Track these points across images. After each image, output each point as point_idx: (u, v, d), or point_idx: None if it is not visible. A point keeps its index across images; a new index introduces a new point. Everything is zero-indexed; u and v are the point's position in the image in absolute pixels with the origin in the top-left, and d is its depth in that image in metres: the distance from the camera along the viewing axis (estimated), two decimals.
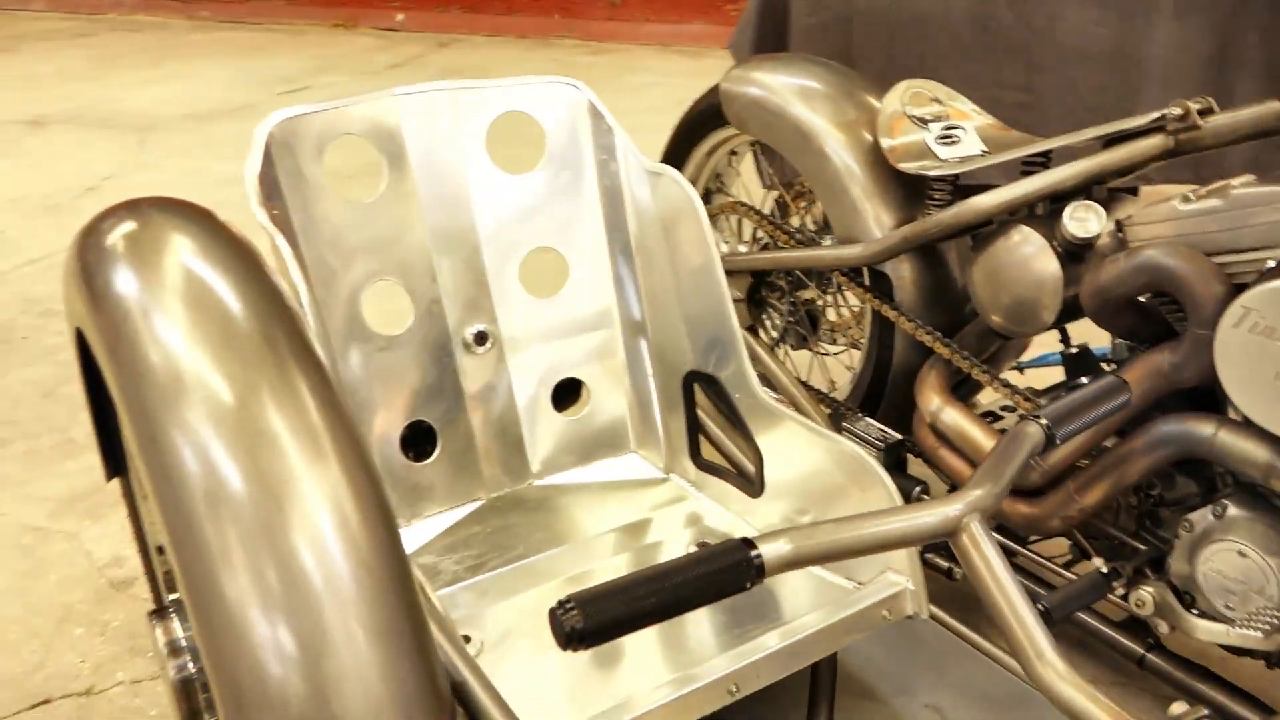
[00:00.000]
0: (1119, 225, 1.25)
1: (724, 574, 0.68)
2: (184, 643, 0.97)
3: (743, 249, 1.95)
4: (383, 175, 1.38)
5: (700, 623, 1.21)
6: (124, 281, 0.83)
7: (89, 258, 0.88)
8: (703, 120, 1.89)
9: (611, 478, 1.51)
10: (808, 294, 1.85)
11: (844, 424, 1.61)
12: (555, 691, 1.11)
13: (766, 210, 1.89)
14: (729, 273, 1.82)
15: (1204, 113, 1.23)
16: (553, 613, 0.67)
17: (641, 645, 1.18)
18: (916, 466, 1.58)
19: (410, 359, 1.39)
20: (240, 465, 0.73)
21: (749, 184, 2.00)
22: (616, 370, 1.52)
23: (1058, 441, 0.84)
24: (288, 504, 0.73)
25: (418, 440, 1.42)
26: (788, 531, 0.73)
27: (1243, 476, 1.13)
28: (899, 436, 1.53)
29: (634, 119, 1.93)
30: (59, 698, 1.45)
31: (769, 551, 0.70)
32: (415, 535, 1.38)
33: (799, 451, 1.33)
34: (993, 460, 0.80)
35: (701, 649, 1.16)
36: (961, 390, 1.55)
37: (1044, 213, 1.37)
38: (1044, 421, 0.84)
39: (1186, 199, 1.17)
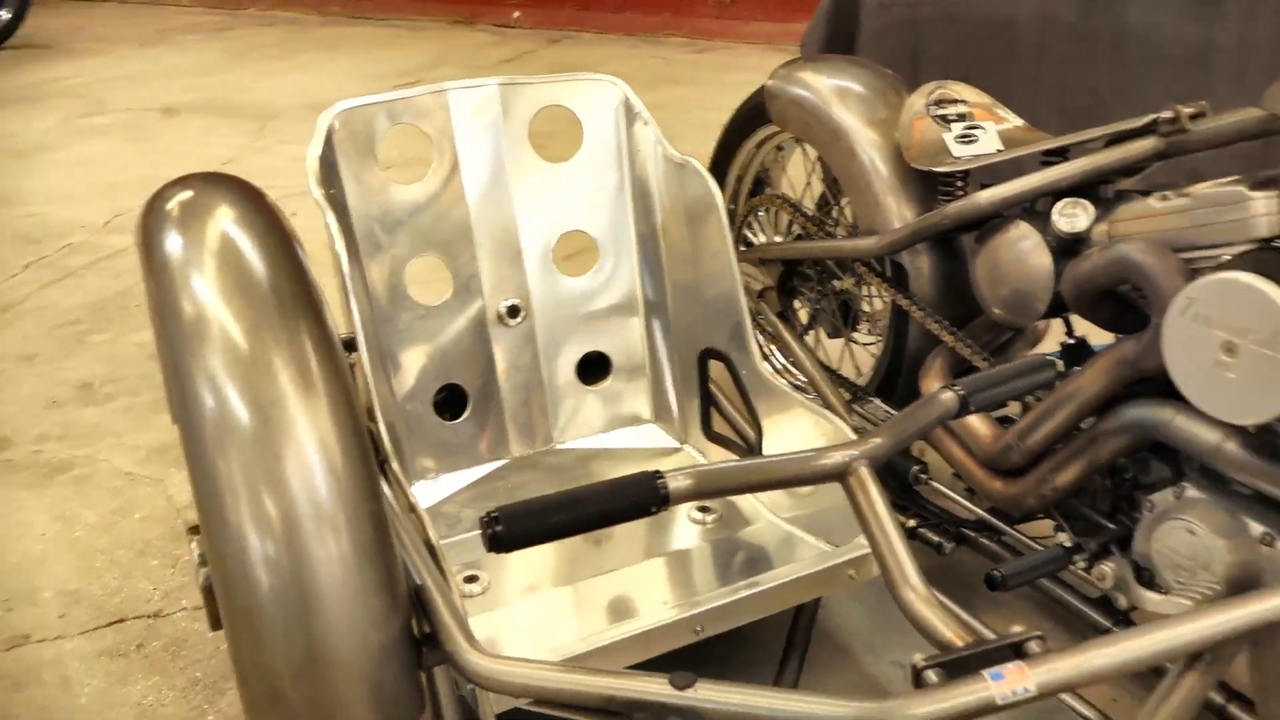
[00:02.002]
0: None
1: (633, 499, 0.80)
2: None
3: (779, 239, 2.04)
4: (433, 161, 1.53)
5: (679, 571, 1.32)
6: (171, 243, 0.99)
7: (149, 222, 1.04)
8: (751, 116, 1.99)
9: (629, 445, 1.63)
10: (842, 284, 1.93)
11: (854, 406, 1.69)
12: (538, 624, 1.24)
13: (813, 203, 1.98)
14: (763, 261, 1.94)
15: (1195, 117, 1.28)
16: (481, 520, 0.79)
17: (624, 588, 1.30)
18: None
19: (447, 327, 1.54)
20: (244, 402, 0.88)
21: (795, 178, 2.09)
22: (637, 346, 1.64)
23: (970, 409, 0.93)
24: (279, 436, 0.86)
25: (452, 402, 1.57)
26: (697, 469, 0.84)
27: (1197, 459, 1.18)
28: None
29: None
30: (131, 618, 1.65)
31: (674, 482, 0.82)
32: (443, 486, 1.53)
33: (796, 425, 1.43)
34: (900, 418, 0.89)
35: (675, 594, 1.28)
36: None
37: (1044, 209, 1.42)
38: (960, 390, 0.93)
39: (1164, 198, 1.23)
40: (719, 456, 1.57)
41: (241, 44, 6.78)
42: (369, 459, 0.90)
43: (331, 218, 1.35)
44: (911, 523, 1.57)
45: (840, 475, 0.84)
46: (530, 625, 1.24)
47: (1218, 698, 1.24)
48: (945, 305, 1.63)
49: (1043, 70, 2.37)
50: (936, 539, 1.50)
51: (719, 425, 1.61)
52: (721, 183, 2.10)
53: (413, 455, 1.51)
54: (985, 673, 0.70)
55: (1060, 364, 1.38)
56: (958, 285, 1.63)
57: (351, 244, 1.45)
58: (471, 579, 1.34)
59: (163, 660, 1.55)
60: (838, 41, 2.58)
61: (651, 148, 1.59)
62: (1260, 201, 1.12)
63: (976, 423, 1.47)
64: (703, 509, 1.49)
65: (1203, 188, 1.18)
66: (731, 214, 2.10)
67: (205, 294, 0.94)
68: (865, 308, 1.94)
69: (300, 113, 4.80)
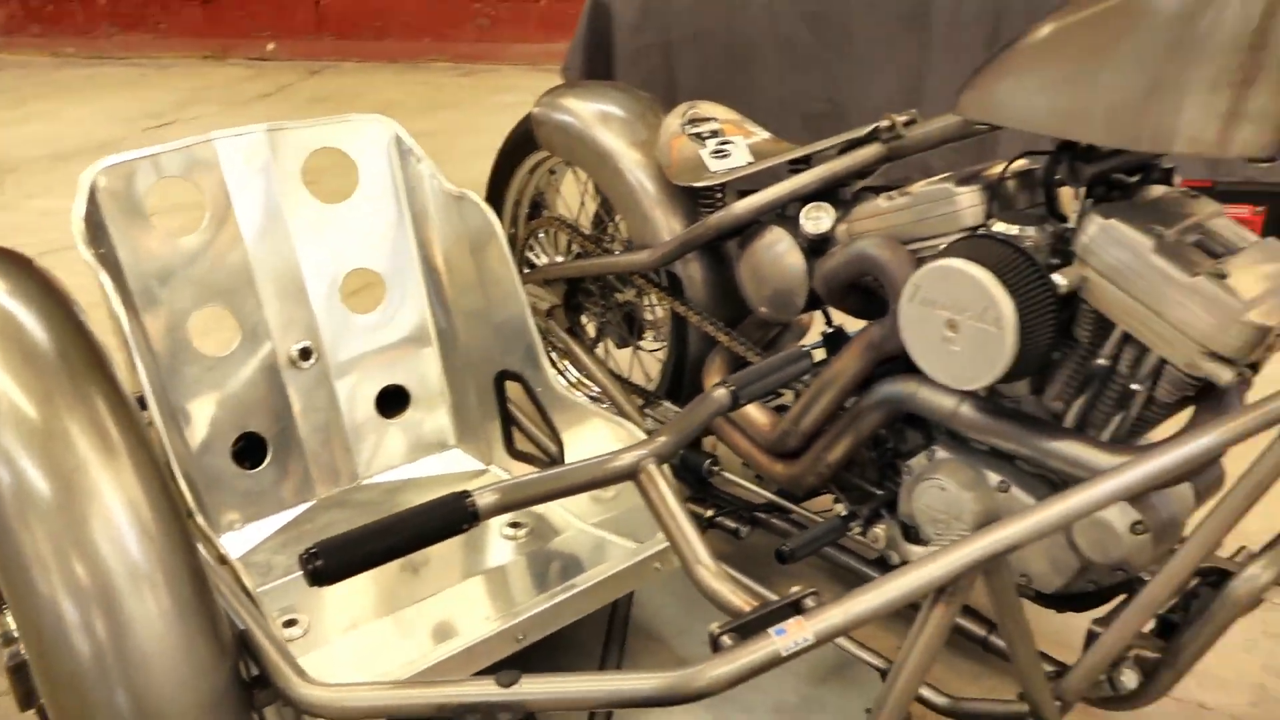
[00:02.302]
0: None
1: (445, 519, 0.86)
2: (16, 634, 1.10)
3: (560, 259, 2.13)
4: (205, 212, 1.52)
5: (498, 586, 1.38)
6: None
7: None
8: (521, 143, 2.07)
9: (435, 472, 1.68)
10: (624, 297, 2.03)
11: (647, 411, 1.80)
12: (362, 657, 1.27)
13: (589, 222, 2.07)
14: (547, 281, 2.02)
15: (908, 124, 1.45)
16: (300, 558, 0.83)
17: (445, 610, 1.34)
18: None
19: (238, 376, 1.53)
20: (43, 472, 0.87)
21: (570, 198, 2.18)
22: (434, 376, 1.69)
23: (741, 402, 1.04)
24: (84, 502, 0.87)
25: (252, 450, 1.56)
26: (501, 484, 0.91)
27: (941, 425, 1.35)
28: None
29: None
30: None
31: (481, 499, 0.88)
32: (251, 535, 1.52)
33: (594, 434, 1.51)
34: (680, 417, 0.99)
35: (496, 607, 1.34)
36: None
37: (794, 214, 1.57)
38: (730, 386, 1.04)
39: (889, 197, 1.39)
40: (523, 473, 1.63)
41: None
42: (179, 513, 0.91)
43: (105, 277, 1.32)
44: (709, 513, 1.69)
45: (632, 474, 0.93)
46: (355, 658, 1.27)
47: (980, 630, 1.42)
48: (718, 308, 1.76)
49: (784, 83, 2.58)
50: (733, 525, 1.63)
51: (521, 443, 1.68)
52: (499, 209, 2.16)
53: (216, 508, 1.50)
54: (770, 630, 0.80)
55: (818, 353, 1.54)
56: (727, 289, 1.76)
57: (129, 301, 1.43)
58: (291, 623, 1.35)
59: None
60: (597, 65, 2.70)
61: (427, 182, 1.64)
62: (965, 195, 1.29)
63: (756, 413, 1.61)
64: (514, 524, 1.55)
65: (920, 186, 1.35)
66: (512, 238, 2.17)
67: None
68: (648, 317, 2.06)
69: (43, 164, 4.51)
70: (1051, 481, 1.31)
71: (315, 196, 1.61)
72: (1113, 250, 1.16)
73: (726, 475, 1.71)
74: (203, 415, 1.50)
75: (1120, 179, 1.28)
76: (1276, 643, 1.61)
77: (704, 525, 1.68)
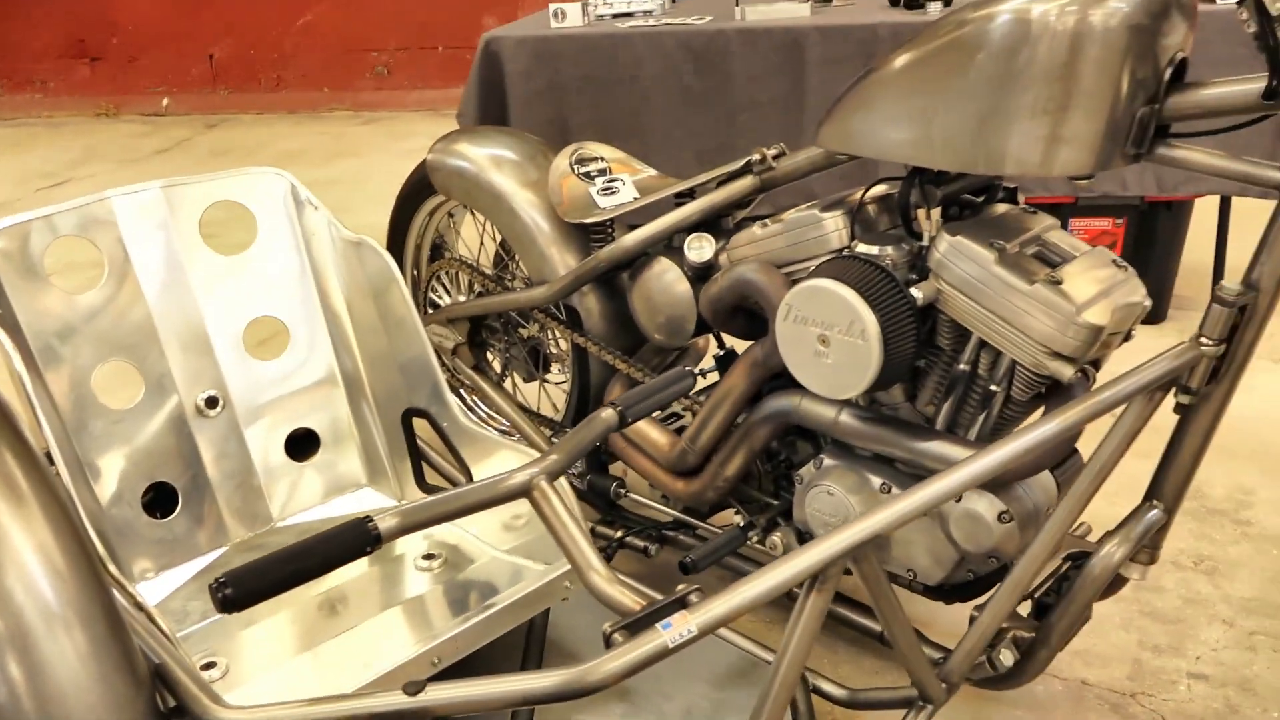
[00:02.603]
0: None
1: (349, 544, 0.91)
2: None
3: (463, 298, 2.19)
4: (104, 269, 1.55)
5: (414, 615, 1.43)
6: None
7: None
8: (418, 188, 2.13)
9: (348, 511, 1.71)
10: (528, 332, 2.10)
11: (553, 440, 1.86)
12: (281, 691, 1.30)
13: (491, 261, 2.14)
14: (450, 320, 2.08)
15: (778, 156, 1.56)
16: (210, 587, 0.88)
17: (362, 641, 1.38)
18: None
19: (145, 427, 1.56)
20: None
21: (471, 238, 2.24)
22: (343, 418, 1.73)
23: (629, 420, 1.11)
24: (13, 599, 0.89)
25: (163, 499, 1.58)
26: (401, 508, 0.97)
27: (825, 434, 1.45)
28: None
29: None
30: None
31: (383, 523, 0.94)
32: (166, 583, 1.54)
33: (501, 463, 1.57)
34: (570, 436, 1.06)
35: (413, 635, 1.38)
36: None
37: (679, 245, 1.66)
38: (619, 407, 1.11)
39: (764, 225, 1.49)
40: None
41: None
42: (90, 557, 0.94)
43: (4, 337, 1.35)
44: (619, 534, 1.76)
45: (525, 491, 1.00)
46: (274, 693, 1.30)
47: (864, 619, 1.52)
48: (616, 337, 1.84)
49: (675, 122, 2.69)
50: (642, 544, 1.70)
51: (432, 478, 1.73)
52: (401, 252, 2.22)
53: (130, 558, 1.51)
54: (658, 625, 0.87)
55: (712, 375, 1.62)
56: (623, 318, 1.84)
57: (30, 360, 1.45)
58: (209, 665, 1.37)
59: None
60: (490, 111, 2.78)
61: (326, 230, 1.69)
62: (830, 220, 1.40)
63: (656, 435, 1.69)
64: (428, 556, 1.60)
65: (790, 213, 1.45)
66: (415, 280, 2.23)
67: None
68: (553, 350, 2.12)
69: None
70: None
71: (214, 249, 1.64)
72: (961, 264, 1.27)
73: (634, 497, 1.79)
74: (111, 468, 1.52)
75: (969, 199, 1.40)
76: (1151, 621, 1.74)
77: (614, 546, 1.75)
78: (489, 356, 2.15)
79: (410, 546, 1.63)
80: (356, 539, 0.91)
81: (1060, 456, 1.33)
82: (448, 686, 0.84)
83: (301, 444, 1.72)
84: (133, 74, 6.95)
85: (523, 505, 1.42)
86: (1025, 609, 1.37)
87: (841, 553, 0.94)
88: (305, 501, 1.70)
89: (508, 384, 2.16)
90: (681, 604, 0.90)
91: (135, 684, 0.91)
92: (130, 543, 1.52)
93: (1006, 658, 1.31)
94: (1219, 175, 1.13)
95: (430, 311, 2.14)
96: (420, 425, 1.72)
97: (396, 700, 0.84)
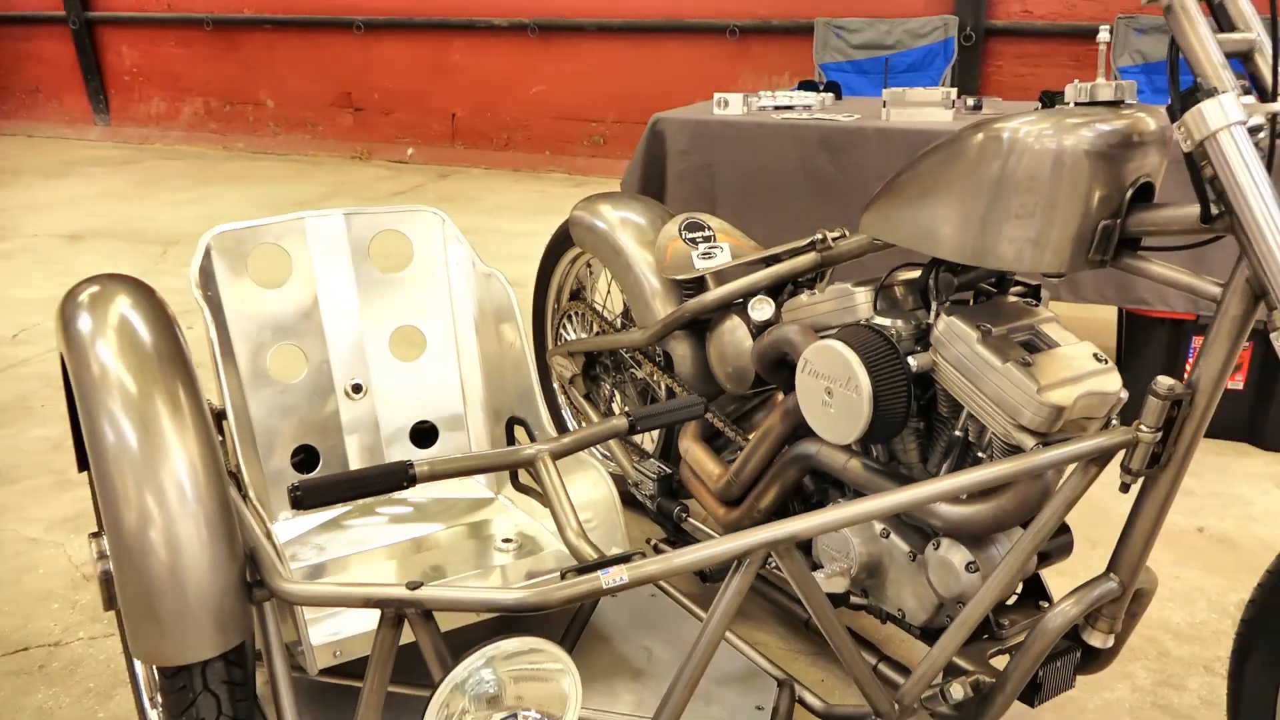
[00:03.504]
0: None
1: (391, 478, 1.23)
2: (107, 550, 1.50)
3: (584, 336, 2.51)
4: (291, 272, 1.97)
5: (486, 577, 1.73)
6: (83, 324, 1.40)
7: (66, 309, 1.45)
8: (562, 240, 2.49)
9: (452, 495, 2.05)
10: (640, 374, 2.40)
11: (635, 464, 2.14)
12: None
13: (621, 310, 2.46)
14: (571, 354, 2.40)
15: (838, 239, 1.80)
16: (288, 489, 1.20)
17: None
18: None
19: (302, 400, 1.95)
20: (134, 434, 1.27)
21: (605, 289, 2.58)
22: (459, 416, 2.08)
23: (637, 429, 1.38)
24: (158, 456, 1.26)
25: (309, 460, 1.97)
26: (433, 459, 1.28)
27: (837, 477, 1.66)
28: (669, 471, 2.06)
29: None
30: (34, 647, 1.98)
31: (419, 468, 1.25)
32: (301, 525, 1.92)
33: (580, 473, 1.86)
34: (582, 430, 1.34)
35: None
36: (720, 440, 2.08)
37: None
38: (630, 417, 1.38)
39: (811, 293, 1.73)
40: (524, 505, 2.00)
41: (148, 175, 7.19)
42: (220, 469, 1.30)
43: (208, 314, 1.77)
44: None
45: (531, 461, 1.28)
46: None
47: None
48: (700, 383, 2.10)
49: (807, 205, 2.96)
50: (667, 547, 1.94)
51: (525, 479, 2.04)
52: (545, 291, 2.58)
53: (276, 499, 1.90)
54: (599, 573, 1.13)
55: (706, 402, 1.87)
56: (707, 367, 2.11)
57: (224, 334, 1.87)
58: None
59: (61, 676, 1.88)
60: (650, 181, 3.13)
61: (467, 262, 2.06)
62: (859, 294, 1.63)
63: (711, 465, 1.94)
64: (507, 540, 1.90)
65: (833, 285, 1.69)
66: (554, 315, 2.58)
67: (108, 360, 1.35)
68: (660, 391, 2.41)
69: (199, 238, 5.21)
70: (924, 533, 1.60)
71: (377, 267, 2.04)
72: (953, 341, 1.47)
73: (693, 522, 2.03)
74: (272, 427, 1.92)
75: (986, 288, 1.60)
76: (1162, 714, 1.81)
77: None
78: (603, 391, 2.47)
79: (498, 529, 1.94)
80: (396, 475, 1.23)
81: (1027, 517, 1.49)
82: (439, 588, 1.13)
83: (424, 434, 2.07)
84: (386, 125, 7.84)
85: (596, 512, 1.71)
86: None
87: (760, 544, 1.17)
88: (421, 489, 2.05)
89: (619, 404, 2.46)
90: (624, 560, 1.16)
91: (232, 555, 1.25)
92: (278, 488, 1.91)
93: (957, 692, 1.47)
94: (1170, 285, 1.30)
95: (558, 344, 2.48)
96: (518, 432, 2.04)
97: (400, 593, 1.13)
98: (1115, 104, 1.35)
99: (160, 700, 1.33)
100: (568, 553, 1.82)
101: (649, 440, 2.42)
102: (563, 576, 1.15)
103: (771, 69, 6.39)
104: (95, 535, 1.54)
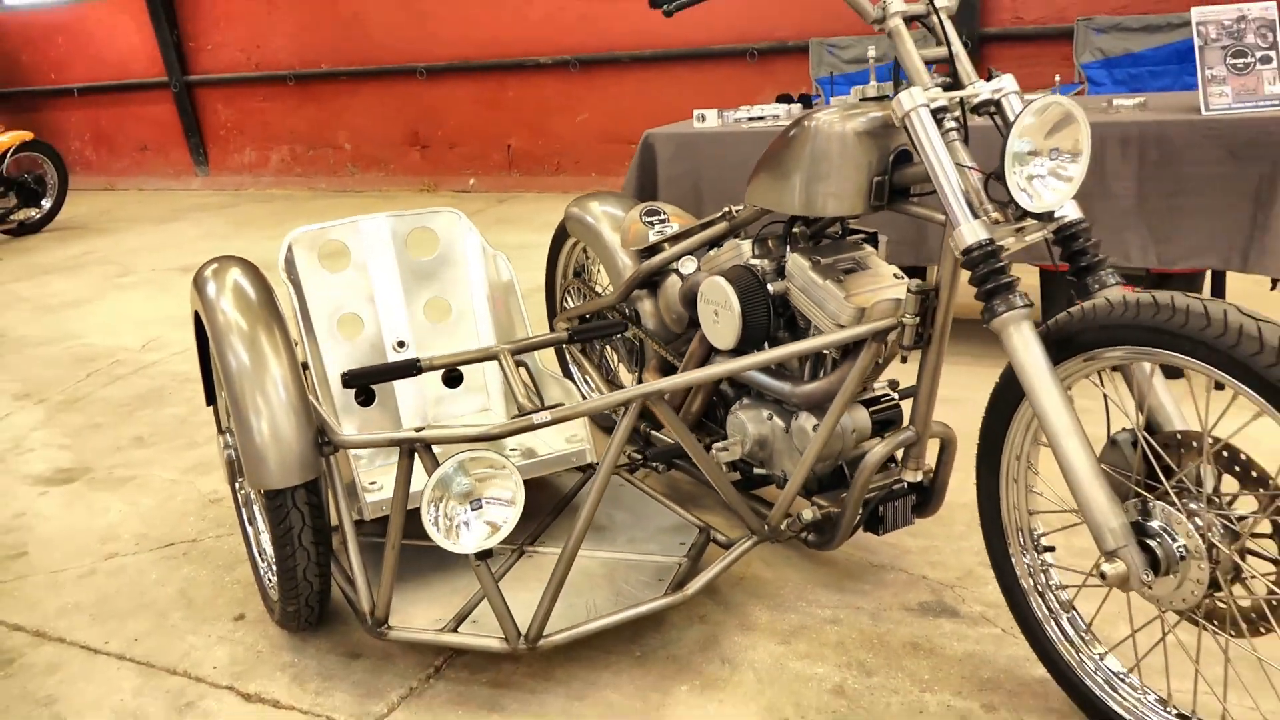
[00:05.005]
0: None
1: (406, 369, 1.91)
2: (230, 440, 2.23)
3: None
4: (349, 259, 2.69)
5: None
6: (213, 288, 2.12)
7: (199, 279, 2.18)
8: (562, 230, 3.18)
9: (474, 420, 2.73)
10: (629, 335, 3.05)
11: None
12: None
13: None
14: (570, 318, 3.08)
15: (739, 210, 2.43)
16: (340, 376, 1.89)
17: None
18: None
19: (362, 352, 2.66)
20: (249, 359, 1.98)
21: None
22: (481, 366, 2.77)
23: (574, 339, 2.04)
24: (263, 373, 1.95)
25: (368, 395, 2.67)
26: (432, 359, 1.96)
27: (741, 381, 2.29)
28: None
29: None
30: (179, 543, 2.72)
31: (425, 364, 1.93)
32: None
33: (562, 394, 2.53)
34: (528, 339, 2.01)
35: None
36: (673, 369, 2.72)
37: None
38: (569, 331, 2.04)
39: (718, 248, 2.37)
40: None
41: (244, 217, 8.13)
42: (299, 376, 2.00)
43: (292, 292, 2.50)
44: (641, 456, 2.66)
45: (495, 356, 1.96)
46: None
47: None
48: (659, 329, 2.76)
49: None
50: (656, 465, 2.59)
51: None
52: (553, 273, 3.27)
53: (343, 423, 2.61)
54: (533, 416, 1.79)
55: (626, 323, 2.50)
56: (664, 317, 2.76)
57: (304, 305, 2.59)
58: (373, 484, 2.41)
59: (198, 559, 2.62)
60: (645, 185, 3.80)
61: (479, 248, 2.75)
62: (744, 246, 2.26)
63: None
64: (484, 409, 2.57)
65: (729, 241, 2.33)
66: (562, 290, 3.27)
67: (232, 315, 2.06)
68: (637, 345, 3.06)
69: (272, 270, 6.04)
70: (790, 412, 2.22)
71: (414, 255, 2.75)
72: (798, 271, 2.10)
73: (660, 436, 2.68)
74: (340, 370, 2.63)
75: (830, 234, 2.22)
76: None
77: (639, 464, 2.65)
78: (596, 347, 3.13)
79: (510, 439, 2.61)
80: (409, 366, 1.91)
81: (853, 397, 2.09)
82: (431, 430, 1.81)
83: (453, 379, 2.76)
84: (450, 158, 8.68)
85: (579, 428, 2.37)
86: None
87: (636, 395, 1.82)
88: (452, 415, 2.74)
89: (622, 369, 3.12)
90: (550, 409, 1.82)
91: (309, 423, 1.95)
92: (345, 416, 2.62)
93: (808, 514, 2.09)
94: (924, 220, 1.91)
95: (562, 310, 3.16)
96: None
97: (410, 434, 1.81)
98: (880, 99, 1.98)
99: (264, 520, 2.03)
100: (551, 449, 2.49)
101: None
102: (518, 416, 1.82)
103: (788, 85, 7.03)
104: (221, 432, 2.27)
